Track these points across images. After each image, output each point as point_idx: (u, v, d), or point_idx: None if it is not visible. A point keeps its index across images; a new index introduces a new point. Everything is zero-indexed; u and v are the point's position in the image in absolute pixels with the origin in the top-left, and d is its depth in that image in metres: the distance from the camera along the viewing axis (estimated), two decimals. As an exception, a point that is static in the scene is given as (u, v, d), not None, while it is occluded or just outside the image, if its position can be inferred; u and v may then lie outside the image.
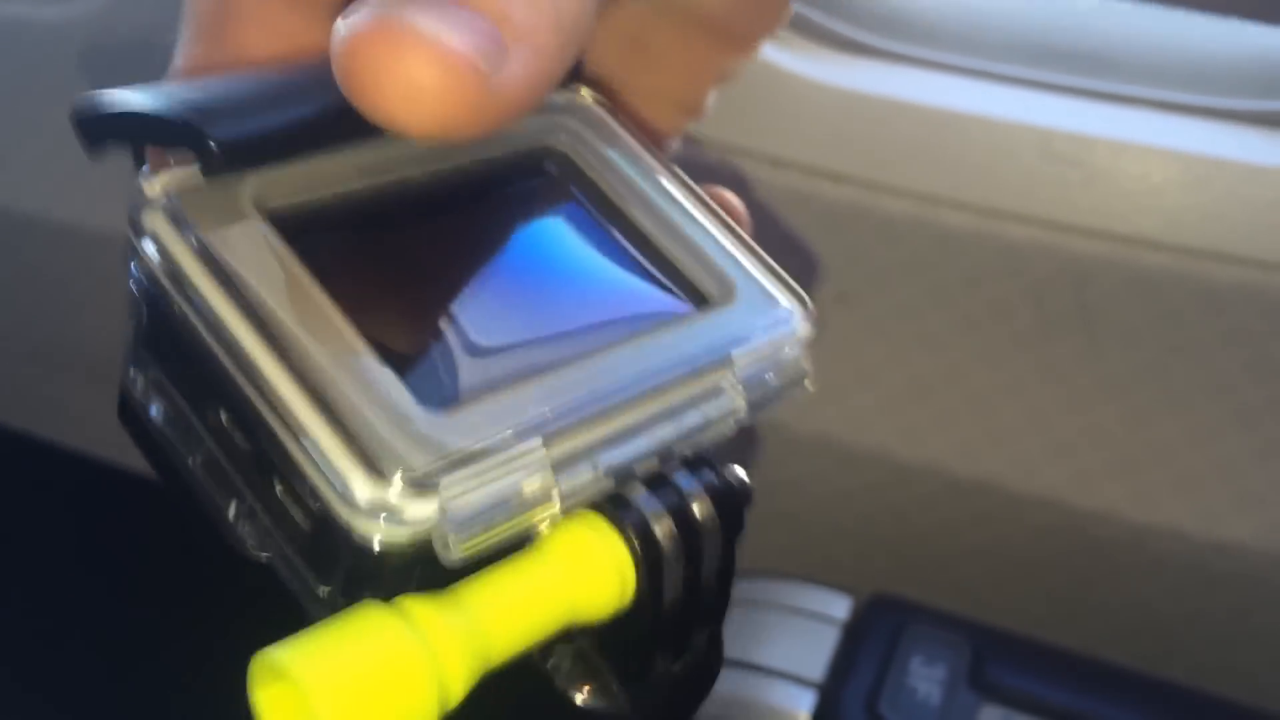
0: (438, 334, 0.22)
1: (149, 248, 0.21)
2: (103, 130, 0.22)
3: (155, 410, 0.22)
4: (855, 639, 0.52)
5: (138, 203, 0.21)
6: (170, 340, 0.21)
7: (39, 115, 0.63)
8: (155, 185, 0.21)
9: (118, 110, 0.21)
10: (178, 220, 0.21)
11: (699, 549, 0.23)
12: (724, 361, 0.24)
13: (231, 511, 0.22)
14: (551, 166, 0.27)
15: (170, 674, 0.72)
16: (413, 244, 0.24)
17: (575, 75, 0.27)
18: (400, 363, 0.21)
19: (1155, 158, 0.48)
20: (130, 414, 0.23)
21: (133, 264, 0.21)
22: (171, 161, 0.21)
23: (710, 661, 0.25)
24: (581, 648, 0.23)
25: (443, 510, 0.20)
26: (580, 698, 0.23)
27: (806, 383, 0.26)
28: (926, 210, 0.50)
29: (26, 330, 0.70)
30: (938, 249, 0.50)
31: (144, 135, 0.22)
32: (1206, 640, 0.53)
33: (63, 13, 0.59)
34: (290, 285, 0.21)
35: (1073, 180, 0.48)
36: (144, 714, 0.72)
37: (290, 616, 0.20)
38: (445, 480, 0.20)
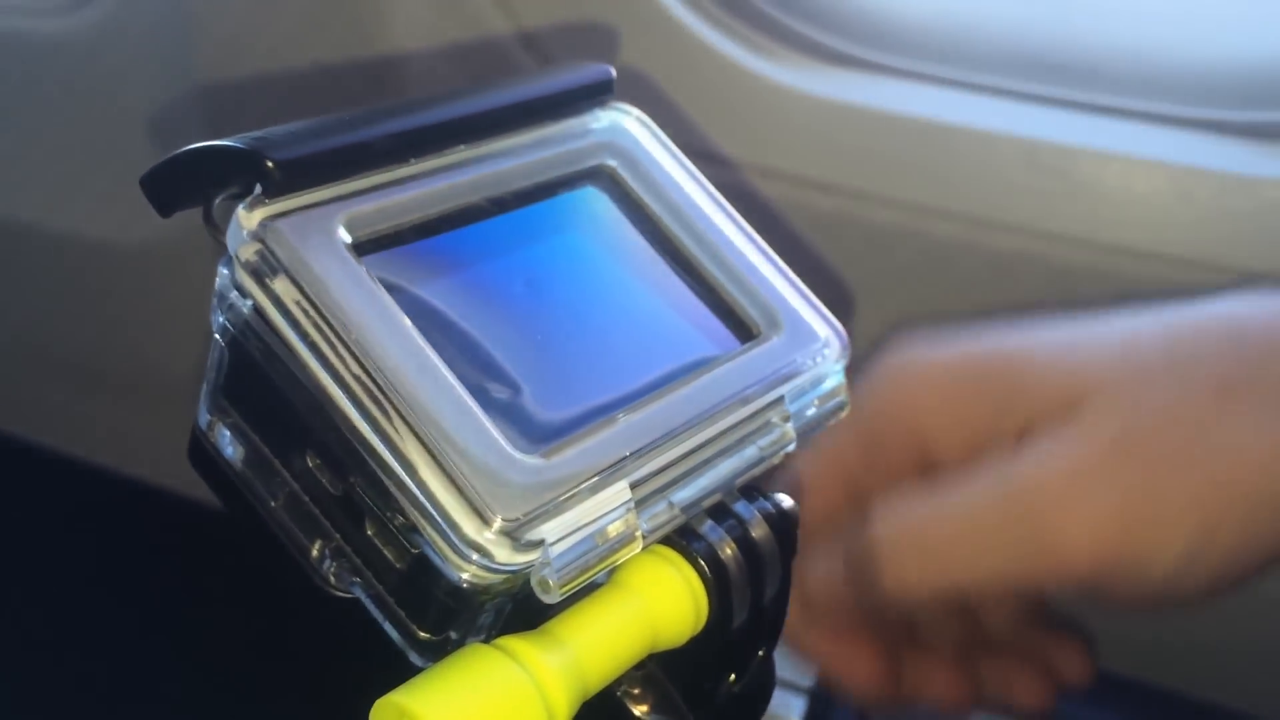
0: (522, 376, 0.23)
1: (242, 297, 0.21)
2: (170, 184, 0.22)
3: (232, 453, 0.23)
4: (843, 645, 0.52)
5: (229, 256, 0.22)
6: (256, 386, 0.22)
7: (38, 127, 0.63)
8: (253, 218, 0.21)
9: (179, 156, 0.22)
10: (274, 267, 0.21)
11: (762, 572, 0.24)
12: (776, 398, 0.26)
13: (315, 550, 0.23)
14: (604, 190, 0.27)
15: (163, 670, 0.72)
16: (489, 280, 0.25)
17: (612, 91, 0.28)
18: (493, 407, 0.22)
19: (1139, 168, 0.48)
20: (203, 456, 0.24)
21: (220, 316, 0.22)
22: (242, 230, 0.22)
23: (765, 680, 0.26)
24: (650, 671, 0.24)
25: (545, 555, 0.21)
26: (650, 719, 0.24)
27: (845, 411, 0.27)
28: (913, 220, 0.50)
29: (24, 337, 0.70)
30: (924, 258, 0.50)
31: (206, 179, 0.22)
32: (1200, 646, 0.53)
33: (63, 26, 0.60)
34: (389, 329, 0.22)
35: (1058, 190, 0.48)
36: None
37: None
38: (545, 527, 0.21)
